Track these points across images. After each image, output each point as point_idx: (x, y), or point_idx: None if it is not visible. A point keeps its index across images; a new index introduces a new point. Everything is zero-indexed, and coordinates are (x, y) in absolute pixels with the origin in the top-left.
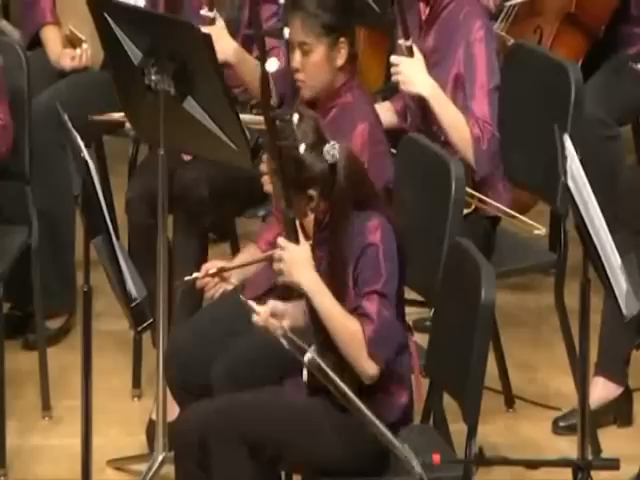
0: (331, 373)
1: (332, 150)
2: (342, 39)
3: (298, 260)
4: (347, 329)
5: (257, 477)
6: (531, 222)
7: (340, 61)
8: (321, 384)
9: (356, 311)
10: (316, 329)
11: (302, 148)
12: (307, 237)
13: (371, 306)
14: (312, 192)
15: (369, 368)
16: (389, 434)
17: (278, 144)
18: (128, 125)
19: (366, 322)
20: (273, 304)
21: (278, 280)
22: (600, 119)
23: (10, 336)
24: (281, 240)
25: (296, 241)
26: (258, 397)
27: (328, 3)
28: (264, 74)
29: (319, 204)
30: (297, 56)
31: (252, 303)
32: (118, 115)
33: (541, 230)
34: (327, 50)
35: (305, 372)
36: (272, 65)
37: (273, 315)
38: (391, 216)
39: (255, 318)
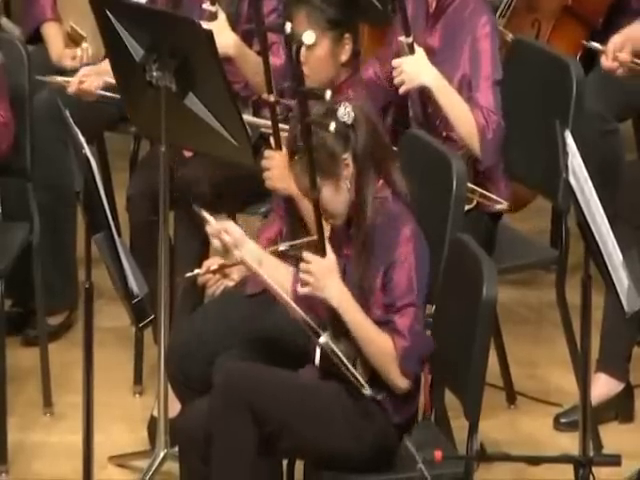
0: (343, 357)
1: (346, 109)
2: (347, 34)
3: (327, 274)
4: (377, 344)
5: (259, 451)
6: (496, 198)
7: (344, 57)
8: (333, 369)
9: (387, 325)
10: (331, 316)
11: (332, 126)
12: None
13: (403, 322)
14: (345, 156)
15: (400, 383)
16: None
17: (308, 121)
18: (70, 90)
19: (398, 339)
20: (232, 225)
21: (302, 291)
22: (598, 113)
23: (11, 333)
24: (307, 254)
25: (318, 222)
26: (270, 371)
27: None
28: (268, 61)
29: (354, 174)
30: (301, 50)
31: (205, 213)
32: (61, 79)
33: (503, 204)
34: (331, 45)
35: (318, 356)
36: (309, 37)
37: (227, 233)
38: (415, 212)
39: (207, 227)
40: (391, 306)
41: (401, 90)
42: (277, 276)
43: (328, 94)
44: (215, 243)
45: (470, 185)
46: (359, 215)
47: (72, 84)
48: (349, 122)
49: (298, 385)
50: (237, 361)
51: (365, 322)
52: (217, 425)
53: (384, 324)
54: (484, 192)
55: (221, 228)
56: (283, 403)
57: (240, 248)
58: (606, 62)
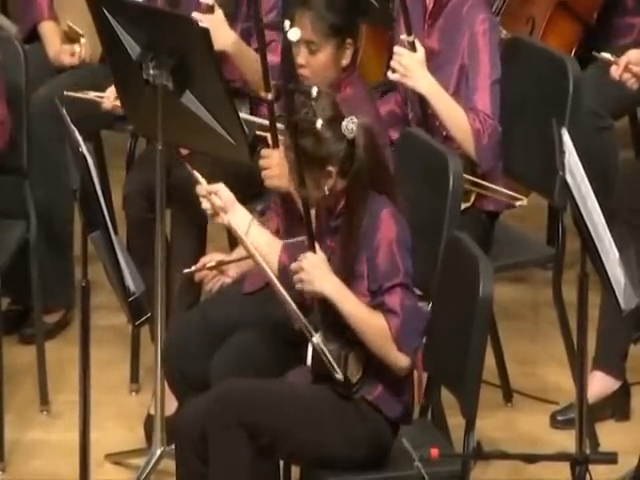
0: (333, 361)
1: (350, 124)
2: (349, 40)
3: (318, 267)
4: (372, 325)
5: (255, 462)
6: (513, 194)
7: (345, 61)
8: (325, 370)
9: (379, 308)
10: (322, 314)
11: (319, 123)
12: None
13: (394, 300)
14: (330, 168)
15: (399, 360)
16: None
17: (295, 119)
18: (105, 106)
19: (391, 318)
20: (223, 188)
21: (299, 288)
22: (593, 110)
23: (9, 331)
24: (300, 256)
25: (308, 220)
26: (259, 383)
27: (337, 4)
28: (264, 60)
29: (337, 183)
30: (303, 52)
31: (197, 173)
32: (93, 94)
33: (523, 200)
34: (334, 50)
35: (309, 358)
36: (294, 34)
37: (218, 196)
38: (401, 204)
39: (197, 188)
40: (379, 290)
41: (392, 76)
42: (263, 246)
43: (315, 91)
44: (204, 204)
45: (467, 177)
46: (350, 220)
47: (106, 100)
48: (349, 137)
49: (289, 394)
50: (227, 378)
51: (358, 307)
52: (214, 444)
53: (376, 307)
54: (481, 182)
55: (212, 190)
56: (275, 414)
57: (228, 212)
58: (616, 72)
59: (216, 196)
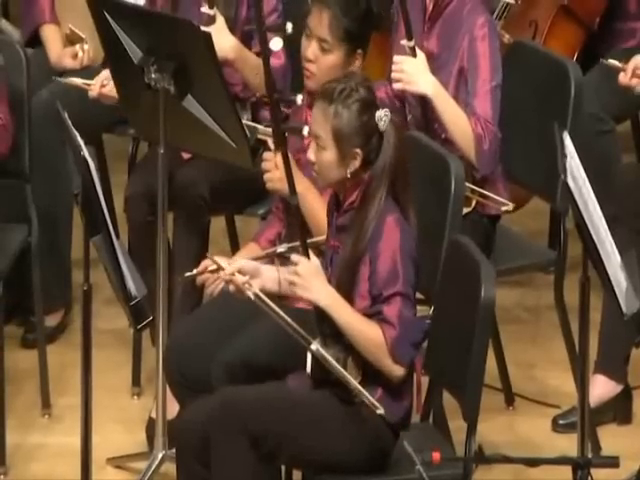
0: (335, 364)
1: (384, 117)
2: (359, 51)
3: (314, 275)
4: (367, 336)
5: (257, 470)
6: (499, 199)
7: (353, 70)
8: (325, 376)
9: (377, 317)
10: (320, 320)
11: (305, 130)
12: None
13: (392, 310)
14: (357, 150)
15: (394, 370)
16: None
17: (282, 128)
18: (91, 94)
19: (387, 328)
20: (242, 262)
21: (293, 293)
22: (594, 113)
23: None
24: (294, 256)
25: (302, 227)
26: (261, 390)
27: (354, 12)
28: (267, 65)
29: (358, 172)
30: (314, 47)
31: (218, 258)
32: (81, 81)
33: (509, 206)
34: (344, 57)
35: (309, 364)
36: (276, 44)
37: (241, 273)
38: (412, 215)
39: (221, 273)
40: (378, 296)
41: (395, 86)
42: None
43: (299, 99)
44: (231, 288)
45: (469, 185)
46: (362, 217)
47: (94, 88)
48: (381, 128)
49: (290, 400)
50: (228, 381)
51: (354, 317)
52: (216, 450)
53: (373, 315)
54: (483, 191)
55: (235, 269)
56: (278, 421)
57: (256, 280)
58: (624, 79)
59: (239, 273)
